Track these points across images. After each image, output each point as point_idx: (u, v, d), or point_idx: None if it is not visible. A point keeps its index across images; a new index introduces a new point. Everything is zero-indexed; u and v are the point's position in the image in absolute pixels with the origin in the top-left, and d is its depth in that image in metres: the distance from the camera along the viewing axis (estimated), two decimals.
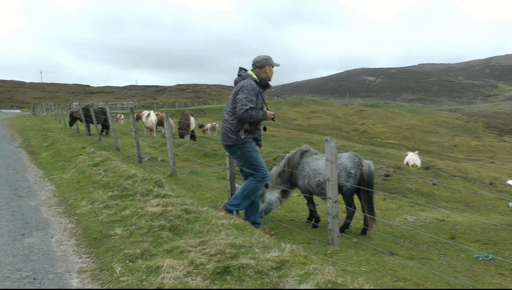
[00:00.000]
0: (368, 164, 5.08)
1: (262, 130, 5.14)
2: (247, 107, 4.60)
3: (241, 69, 4.98)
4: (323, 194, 5.25)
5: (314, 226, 5.47)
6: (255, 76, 4.82)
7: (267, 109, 4.93)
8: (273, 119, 4.94)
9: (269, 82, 4.93)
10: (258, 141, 5.05)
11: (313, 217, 5.62)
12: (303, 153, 5.66)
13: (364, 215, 5.12)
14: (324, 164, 5.14)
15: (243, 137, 4.78)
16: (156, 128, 18.67)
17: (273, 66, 4.91)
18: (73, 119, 17.05)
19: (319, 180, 5.24)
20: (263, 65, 4.85)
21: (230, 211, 4.84)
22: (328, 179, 4.35)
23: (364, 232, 5.17)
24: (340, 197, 4.96)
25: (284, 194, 5.70)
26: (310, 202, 5.62)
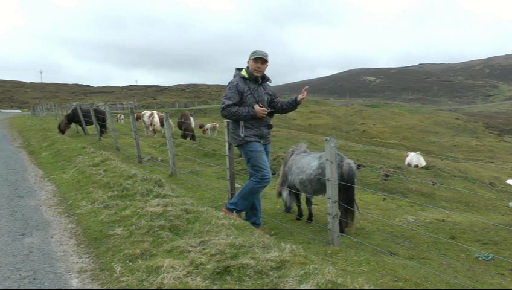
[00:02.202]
0: (348, 163, 5.07)
1: (267, 127, 5.00)
2: (224, 105, 4.73)
3: (235, 69, 5.03)
4: (306, 192, 5.42)
5: (297, 218, 5.72)
6: (243, 72, 4.87)
7: (262, 105, 4.83)
8: (268, 115, 4.89)
9: (258, 75, 4.83)
10: (266, 140, 4.99)
11: (302, 213, 5.77)
12: (293, 152, 5.82)
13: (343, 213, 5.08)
14: (308, 163, 5.32)
15: (242, 135, 4.81)
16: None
17: (254, 60, 4.81)
18: (61, 131, 16.51)
19: (301, 178, 5.34)
20: (248, 59, 4.90)
21: (229, 210, 4.87)
22: (328, 179, 4.35)
23: (341, 230, 4.94)
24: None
25: (292, 193, 5.77)
26: (308, 200, 5.68)
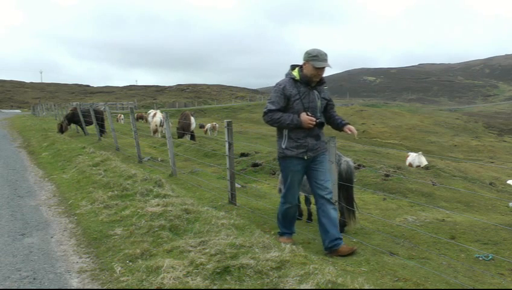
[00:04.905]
0: (346, 161, 5.06)
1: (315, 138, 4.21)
2: (266, 110, 4.15)
3: (290, 66, 4.31)
4: (306, 191, 5.36)
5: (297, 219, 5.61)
6: (295, 73, 4.17)
7: (311, 114, 4.08)
8: (317, 126, 4.13)
9: (313, 79, 4.12)
10: (315, 151, 4.21)
11: (302, 213, 5.76)
12: None
13: (342, 212, 5.09)
14: None
15: (283, 147, 4.19)
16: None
17: (312, 65, 4.07)
18: (61, 131, 16.66)
19: None
20: (303, 60, 4.16)
21: (280, 235, 4.54)
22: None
23: (341, 229, 4.94)
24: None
25: None
26: (307, 200, 5.70)
